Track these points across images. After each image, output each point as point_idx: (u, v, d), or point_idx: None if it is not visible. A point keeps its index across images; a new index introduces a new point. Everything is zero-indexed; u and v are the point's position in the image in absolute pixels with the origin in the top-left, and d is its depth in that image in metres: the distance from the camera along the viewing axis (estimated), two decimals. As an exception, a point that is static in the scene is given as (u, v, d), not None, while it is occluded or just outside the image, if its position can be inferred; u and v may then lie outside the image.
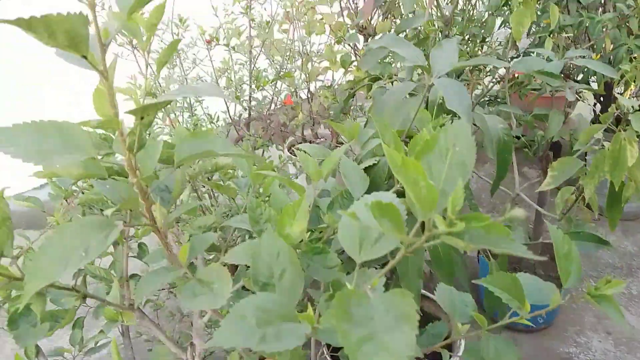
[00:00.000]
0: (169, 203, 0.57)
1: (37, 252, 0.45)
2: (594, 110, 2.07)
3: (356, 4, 2.06)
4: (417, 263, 0.69)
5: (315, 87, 1.97)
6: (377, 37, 1.01)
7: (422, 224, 0.38)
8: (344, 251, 0.50)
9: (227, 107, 1.35)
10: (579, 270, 0.59)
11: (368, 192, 0.90)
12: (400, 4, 1.76)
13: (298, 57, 1.65)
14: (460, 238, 0.33)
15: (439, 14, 1.24)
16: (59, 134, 0.48)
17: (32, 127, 0.47)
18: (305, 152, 0.89)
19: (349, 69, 2.07)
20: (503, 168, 0.94)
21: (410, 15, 1.13)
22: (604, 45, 1.64)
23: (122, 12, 0.46)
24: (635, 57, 1.61)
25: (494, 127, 0.90)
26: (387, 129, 0.60)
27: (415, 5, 1.92)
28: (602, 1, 1.70)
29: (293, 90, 1.44)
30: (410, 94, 1.05)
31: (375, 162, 0.83)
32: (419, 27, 1.84)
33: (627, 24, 1.67)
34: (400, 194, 0.75)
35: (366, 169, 0.86)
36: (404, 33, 1.46)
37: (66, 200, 0.86)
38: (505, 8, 1.72)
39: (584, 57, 1.33)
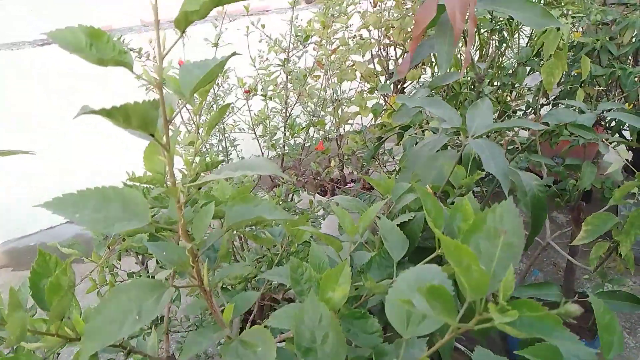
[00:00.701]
0: (215, 262, 0.59)
1: (93, 313, 0.47)
2: (626, 159, 2.05)
3: (387, 51, 2.12)
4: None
5: (344, 130, 2.01)
6: (412, 93, 1.03)
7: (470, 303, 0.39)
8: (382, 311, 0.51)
9: (262, 153, 1.39)
10: (620, 341, 0.58)
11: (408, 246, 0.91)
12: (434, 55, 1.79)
13: (329, 104, 1.69)
14: (511, 325, 0.34)
15: (471, 70, 1.27)
16: (120, 199, 0.50)
17: (95, 193, 0.50)
18: (339, 205, 0.91)
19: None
20: (538, 224, 0.94)
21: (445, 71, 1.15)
22: (637, 96, 1.64)
23: (185, 89, 0.49)
24: (668, 109, 1.60)
25: (529, 184, 0.91)
26: (428, 196, 0.61)
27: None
28: (636, 52, 1.71)
29: (325, 136, 1.47)
30: (443, 147, 1.07)
31: (411, 217, 0.84)
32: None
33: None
34: (436, 256, 0.75)
35: (401, 224, 0.87)
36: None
37: (109, 247, 0.89)
38: (535, 58, 1.74)
39: (616, 109, 1.34)
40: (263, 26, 1.35)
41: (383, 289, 0.56)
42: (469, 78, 1.37)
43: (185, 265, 0.53)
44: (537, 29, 1.19)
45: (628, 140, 1.64)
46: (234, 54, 0.54)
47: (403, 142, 1.38)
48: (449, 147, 1.18)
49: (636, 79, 1.62)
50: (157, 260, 1.17)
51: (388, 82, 1.97)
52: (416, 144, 1.43)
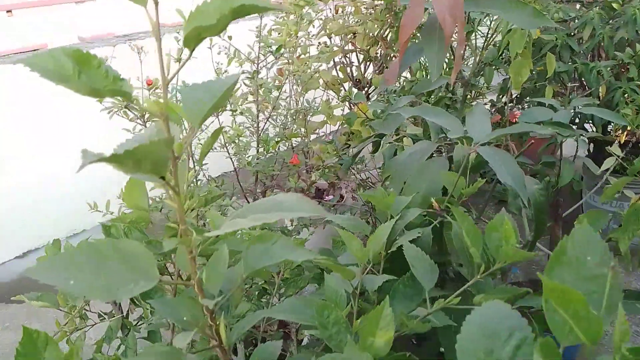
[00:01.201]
0: (229, 314, 0.51)
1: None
2: (589, 151, 2.09)
3: (349, 58, 2.07)
4: None
5: (309, 141, 1.95)
6: (400, 102, 0.98)
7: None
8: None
9: (235, 170, 1.31)
10: None
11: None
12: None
13: (297, 114, 1.62)
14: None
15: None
16: (119, 256, 0.42)
17: (89, 251, 0.41)
18: (344, 228, 0.84)
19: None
20: (541, 228, 0.92)
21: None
22: (599, 91, 1.67)
23: (194, 119, 0.41)
24: (632, 100, 1.64)
25: (530, 188, 0.87)
26: (464, 217, 0.56)
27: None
28: (595, 48, 1.74)
29: (300, 148, 1.40)
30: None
31: (419, 234, 0.79)
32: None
33: (623, 70, 1.71)
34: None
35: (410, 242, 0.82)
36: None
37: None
38: (500, 57, 1.74)
39: (586, 105, 1.34)
40: (230, 37, 1.27)
41: (426, 327, 0.50)
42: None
43: (203, 325, 0.44)
44: (529, 29, 1.17)
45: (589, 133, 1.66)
46: (242, 72, 0.47)
47: (382, 151, 1.33)
48: (434, 155, 1.14)
49: (599, 74, 1.64)
50: (132, 300, 1.07)
51: (354, 89, 1.93)
52: (395, 153, 1.39)
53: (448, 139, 1.12)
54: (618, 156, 1.06)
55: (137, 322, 1.16)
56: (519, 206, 1.19)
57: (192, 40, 0.37)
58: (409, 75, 1.98)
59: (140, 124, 1.05)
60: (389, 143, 1.30)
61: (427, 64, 1.87)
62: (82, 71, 0.37)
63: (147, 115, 1.05)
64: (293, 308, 0.64)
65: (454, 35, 0.98)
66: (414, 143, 1.36)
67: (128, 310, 1.26)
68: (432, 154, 1.08)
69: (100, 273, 0.40)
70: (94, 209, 1.27)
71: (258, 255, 0.49)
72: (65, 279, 0.39)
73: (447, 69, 1.88)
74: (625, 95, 1.66)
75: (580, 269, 0.36)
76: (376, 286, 0.76)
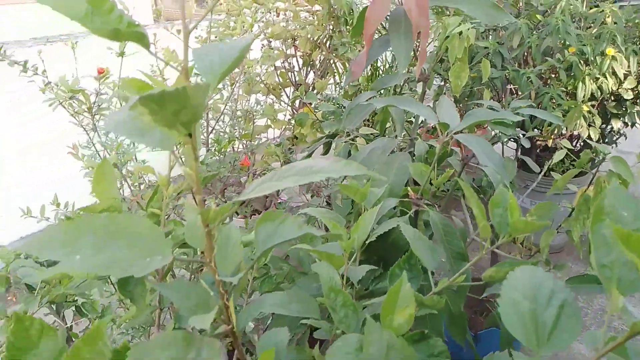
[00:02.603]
0: (235, 298, 0.47)
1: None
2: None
3: (289, 62, 2.06)
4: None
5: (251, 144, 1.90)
6: (361, 97, 0.98)
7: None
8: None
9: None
10: None
11: (390, 257, 0.84)
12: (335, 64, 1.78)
13: (245, 114, 1.58)
14: None
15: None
16: (126, 232, 0.37)
17: (90, 226, 0.36)
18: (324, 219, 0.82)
19: (289, 127, 2.04)
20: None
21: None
22: (530, 95, 1.78)
23: (211, 77, 0.37)
24: (558, 105, 1.76)
25: (494, 178, 0.90)
26: (472, 194, 0.55)
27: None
28: (524, 55, 1.86)
29: (250, 149, 1.36)
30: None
31: (398, 223, 0.78)
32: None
33: (550, 77, 1.84)
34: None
35: (386, 233, 0.81)
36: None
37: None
38: (438, 63, 1.80)
39: (527, 106, 1.42)
40: (179, 31, 1.21)
41: (442, 303, 0.48)
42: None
43: (219, 309, 0.40)
44: (488, 22, 1.22)
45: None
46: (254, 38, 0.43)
47: (337, 151, 1.33)
48: (395, 151, 1.15)
49: (529, 80, 1.75)
50: (76, 309, 0.97)
51: (295, 92, 1.92)
52: (349, 152, 1.39)
53: (409, 136, 1.14)
54: (569, 149, 1.11)
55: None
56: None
57: None
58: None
59: (87, 117, 0.97)
60: (344, 142, 1.30)
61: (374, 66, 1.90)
62: (95, 12, 0.32)
63: (94, 108, 0.96)
64: (279, 301, 0.61)
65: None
66: (367, 143, 1.37)
67: (72, 323, 1.15)
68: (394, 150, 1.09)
69: (104, 249, 0.35)
70: (26, 215, 1.15)
71: (269, 235, 0.45)
72: (68, 254, 0.33)
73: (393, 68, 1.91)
74: (552, 100, 1.79)
75: (619, 224, 0.37)
76: (360, 276, 0.74)
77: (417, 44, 1.02)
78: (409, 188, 0.84)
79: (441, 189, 1.18)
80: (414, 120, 1.10)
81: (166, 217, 0.62)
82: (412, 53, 0.92)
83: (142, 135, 0.38)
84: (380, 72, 2.26)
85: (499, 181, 0.94)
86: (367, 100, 0.92)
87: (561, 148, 1.18)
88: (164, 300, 0.55)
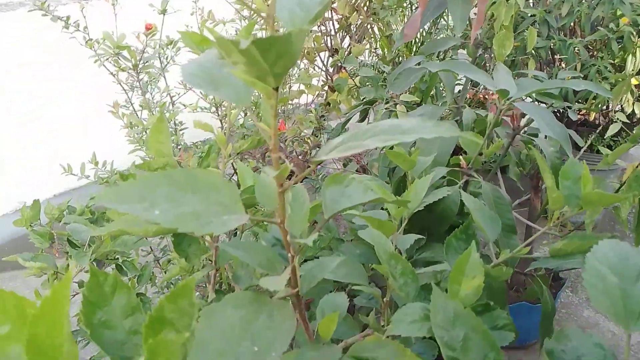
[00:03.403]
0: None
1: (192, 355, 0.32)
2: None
3: (325, 26, 2.01)
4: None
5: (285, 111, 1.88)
6: (409, 61, 0.95)
7: None
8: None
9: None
10: None
11: (436, 227, 0.83)
12: (392, 27, 1.73)
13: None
14: None
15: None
16: (200, 187, 0.36)
17: (161, 180, 0.35)
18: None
19: (322, 93, 2.01)
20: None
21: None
22: (575, 67, 1.71)
23: (299, 23, 0.35)
24: (604, 78, 1.69)
25: (547, 151, 0.87)
26: (544, 163, 0.53)
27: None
28: (572, 25, 1.78)
29: (288, 115, 1.34)
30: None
31: (449, 192, 0.76)
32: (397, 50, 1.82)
33: (597, 49, 1.76)
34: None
35: (435, 202, 0.79)
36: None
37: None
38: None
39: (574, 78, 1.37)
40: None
41: (509, 273, 0.47)
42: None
43: (285, 270, 0.39)
44: None
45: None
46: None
47: (376, 118, 1.30)
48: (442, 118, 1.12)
49: (576, 50, 1.68)
50: (116, 266, 0.98)
51: (332, 58, 1.88)
52: (389, 118, 1.36)
53: (456, 104, 1.10)
54: (626, 122, 1.07)
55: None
56: (518, 173, 1.20)
57: None
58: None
59: (132, 74, 0.96)
60: (387, 109, 1.27)
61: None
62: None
63: (139, 66, 0.95)
64: (346, 269, 0.60)
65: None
66: (407, 111, 1.34)
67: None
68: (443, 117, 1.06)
69: (179, 203, 0.34)
70: (67, 172, 1.16)
71: (335, 198, 0.44)
72: (146, 207, 0.33)
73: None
74: (598, 72, 1.71)
75: None
76: (408, 245, 0.73)
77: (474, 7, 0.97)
78: (460, 157, 0.82)
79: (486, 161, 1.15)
80: (461, 88, 1.07)
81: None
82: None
83: (218, 87, 0.37)
84: (416, 39, 2.19)
85: (552, 153, 0.91)
86: (417, 65, 0.88)
87: (616, 121, 1.14)
88: (220, 260, 0.55)
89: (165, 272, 1.34)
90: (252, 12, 1.49)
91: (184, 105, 1.29)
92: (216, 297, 0.70)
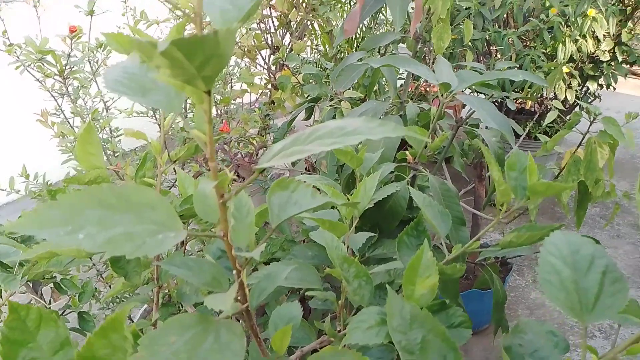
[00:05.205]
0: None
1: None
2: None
3: (265, 24, 1.98)
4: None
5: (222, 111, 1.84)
6: (351, 57, 0.94)
7: None
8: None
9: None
10: None
11: (386, 224, 0.82)
12: (312, 25, 1.72)
13: (223, 77, 1.51)
14: None
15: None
16: (130, 205, 0.32)
17: (89, 201, 0.32)
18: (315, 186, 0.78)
19: (265, 91, 1.98)
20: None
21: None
22: (511, 57, 1.76)
23: (228, 23, 0.33)
24: (538, 67, 1.75)
25: (489, 141, 0.88)
26: (492, 158, 0.52)
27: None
28: (505, 16, 1.83)
29: (231, 115, 1.30)
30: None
31: (397, 189, 0.75)
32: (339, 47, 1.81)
33: (530, 39, 1.82)
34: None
35: (383, 199, 0.78)
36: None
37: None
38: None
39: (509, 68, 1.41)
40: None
41: (463, 270, 0.46)
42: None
43: (231, 287, 0.37)
44: None
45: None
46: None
47: (322, 115, 1.28)
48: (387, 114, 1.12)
49: (510, 41, 1.73)
50: (54, 285, 0.92)
51: (274, 55, 1.85)
52: (334, 117, 1.35)
53: (399, 98, 1.10)
54: (561, 109, 1.10)
55: (63, 312, 1.01)
56: (462, 164, 1.21)
57: None
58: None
59: (59, 80, 0.89)
60: (329, 106, 1.26)
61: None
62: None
63: (66, 71, 0.89)
64: (296, 273, 0.58)
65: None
66: (352, 107, 1.33)
67: (51, 299, 1.10)
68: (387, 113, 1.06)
69: (108, 225, 0.31)
70: (-7, 188, 1.08)
71: (282, 205, 0.42)
72: (69, 232, 0.29)
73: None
74: (532, 62, 1.78)
75: None
76: (360, 244, 0.71)
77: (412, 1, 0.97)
78: (407, 152, 0.82)
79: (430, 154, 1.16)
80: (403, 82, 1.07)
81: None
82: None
83: (145, 94, 0.34)
84: (357, 35, 2.19)
85: (494, 143, 0.93)
86: (359, 61, 0.87)
87: (552, 108, 1.17)
88: (162, 277, 0.52)
89: (110, 286, 1.28)
90: (184, 10, 1.44)
91: (119, 110, 1.22)
92: (163, 311, 0.66)
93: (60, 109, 1.18)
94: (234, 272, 0.37)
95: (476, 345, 1.57)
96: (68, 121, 1.18)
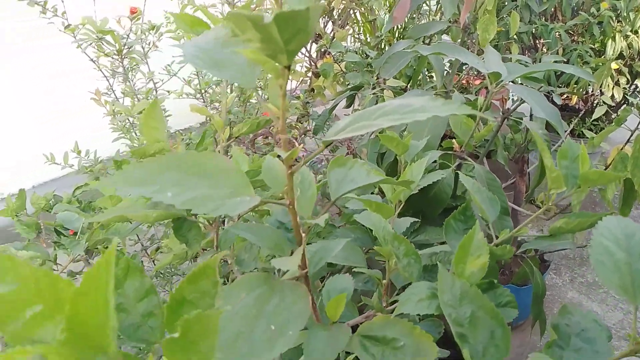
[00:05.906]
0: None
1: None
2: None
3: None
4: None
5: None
6: (398, 45, 0.94)
7: None
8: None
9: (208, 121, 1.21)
10: None
11: (430, 210, 0.83)
12: (374, 10, 1.72)
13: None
14: None
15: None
16: (207, 171, 0.35)
17: (169, 163, 0.34)
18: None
19: (305, 79, 2.00)
20: (544, 172, 0.93)
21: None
22: (557, 51, 1.73)
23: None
24: (586, 62, 1.71)
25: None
26: (545, 148, 0.53)
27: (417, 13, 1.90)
28: (553, 10, 1.79)
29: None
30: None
31: (443, 175, 0.76)
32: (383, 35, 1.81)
33: (578, 34, 1.78)
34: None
35: (429, 185, 0.79)
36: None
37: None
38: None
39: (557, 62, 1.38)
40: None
41: (512, 252, 0.47)
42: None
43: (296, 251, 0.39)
44: None
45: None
46: None
47: (363, 103, 1.30)
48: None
49: (557, 35, 1.70)
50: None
51: (316, 43, 1.86)
52: (376, 103, 1.36)
53: (445, 88, 1.10)
54: (610, 105, 1.09)
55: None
56: (505, 157, 1.21)
57: None
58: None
59: (117, 59, 0.93)
60: (374, 94, 1.27)
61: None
62: None
63: (124, 50, 0.93)
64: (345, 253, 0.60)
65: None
66: (394, 96, 1.34)
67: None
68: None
69: (187, 187, 0.33)
70: (50, 161, 1.14)
71: (339, 180, 0.44)
72: (157, 191, 0.32)
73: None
74: (579, 57, 1.74)
75: None
76: (405, 228, 0.73)
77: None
78: (453, 141, 0.83)
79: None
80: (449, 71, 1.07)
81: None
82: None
83: (222, 69, 0.36)
84: (399, 25, 2.18)
85: (541, 135, 0.92)
86: (407, 48, 0.88)
87: (601, 104, 1.16)
88: (222, 244, 0.54)
89: (154, 261, 1.33)
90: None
91: (168, 92, 1.26)
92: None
93: (112, 89, 1.23)
94: (297, 238, 0.40)
95: (512, 340, 1.57)
96: (119, 101, 1.23)
